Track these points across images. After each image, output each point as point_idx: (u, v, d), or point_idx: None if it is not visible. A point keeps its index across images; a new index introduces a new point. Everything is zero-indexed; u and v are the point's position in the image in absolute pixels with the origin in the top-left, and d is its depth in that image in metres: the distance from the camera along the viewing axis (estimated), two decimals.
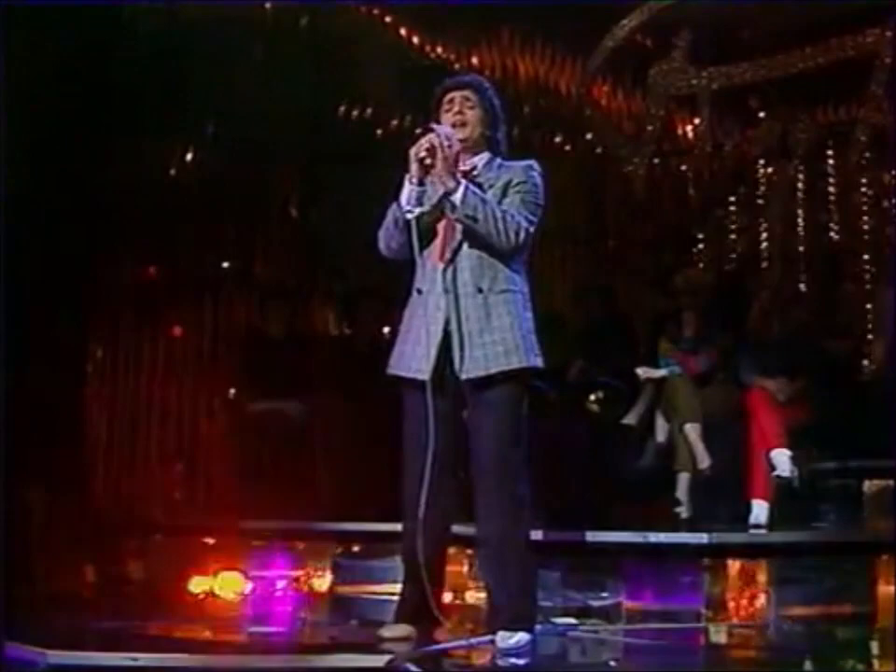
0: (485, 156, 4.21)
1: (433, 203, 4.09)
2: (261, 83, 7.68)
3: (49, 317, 6.34)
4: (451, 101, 4.20)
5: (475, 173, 4.14)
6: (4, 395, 5.09)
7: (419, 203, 4.06)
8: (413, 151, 4.03)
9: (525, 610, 4.00)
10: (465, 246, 4.06)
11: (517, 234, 4.01)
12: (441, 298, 4.03)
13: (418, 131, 4.08)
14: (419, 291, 4.11)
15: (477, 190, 4.02)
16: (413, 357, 4.05)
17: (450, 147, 4.01)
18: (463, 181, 4.00)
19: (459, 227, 4.06)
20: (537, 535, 4.44)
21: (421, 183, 4.06)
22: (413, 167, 4.04)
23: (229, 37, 7.62)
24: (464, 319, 4.00)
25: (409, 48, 8.79)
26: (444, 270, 4.05)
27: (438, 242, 4.10)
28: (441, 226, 4.10)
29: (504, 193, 4.10)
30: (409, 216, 4.04)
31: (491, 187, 4.11)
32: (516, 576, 3.99)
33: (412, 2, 8.39)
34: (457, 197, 3.96)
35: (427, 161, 4.02)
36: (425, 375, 3.99)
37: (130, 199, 7.41)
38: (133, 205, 7.45)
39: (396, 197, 4.11)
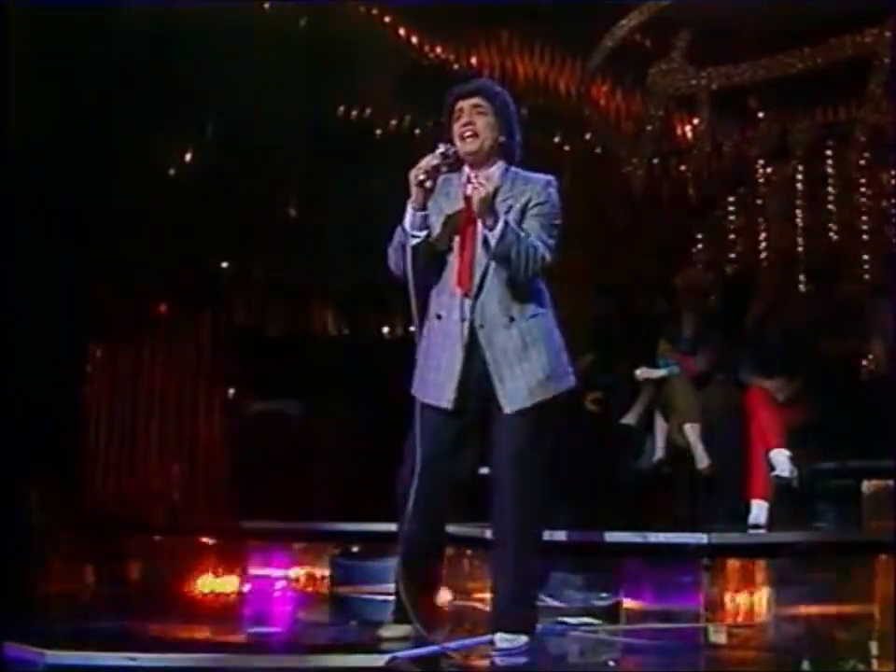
0: (501, 165, 4.09)
1: (437, 227, 4.01)
2: (261, 83, 7.68)
3: (48, 317, 6.33)
4: (460, 110, 4.08)
5: (495, 187, 4.00)
6: (4, 395, 5.10)
7: (423, 227, 3.98)
8: (412, 174, 3.93)
9: (529, 616, 4.00)
10: (490, 275, 3.97)
11: (537, 265, 3.96)
12: (458, 325, 3.96)
13: (439, 149, 3.96)
14: (438, 317, 4.03)
15: (514, 226, 3.92)
16: (435, 383, 3.99)
17: (487, 180, 3.91)
18: (502, 218, 3.89)
19: (481, 254, 3.97)
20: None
21: (423, 207, 3.97)
22: (414, 191, 3.95)
23: (228, 37, 7.61)
24: (500, 352, 3.95)
25: (409, 48, 8.80)
26: (465, 297, 3.97)
27: (456, 267, 4.01)
28: (456, 251, 4.01)
29: (523, 213, 4.01)
30: (413, 240, 3.95)
31: (511, 207, 4.00)
32: (520, 580, 3.98)
33: (412, 2, 8.39)
34: (496, 233, 3.88)
35: (428, 185, 3.94)
36: (449, 404, 3.96)
37: (128, 199, 7.41)
38: (132, 205, 7.45)
39: (403, 208, 4.00)
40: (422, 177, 3.92)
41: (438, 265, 4.05)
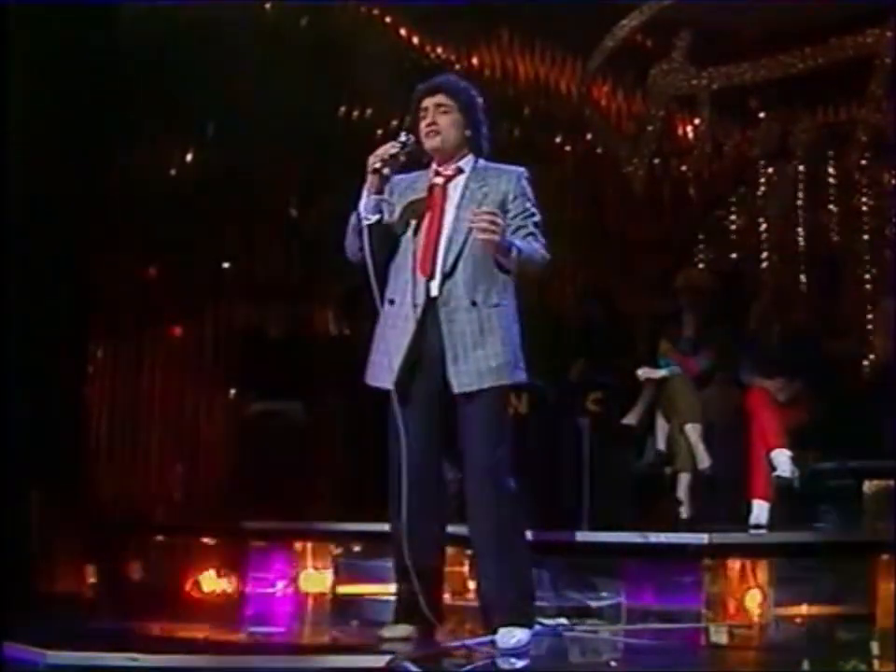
0: (469, 159, 4.16)
1: (393, 211, 4.08)
2: (261, 83, 7.68)
3: (49, 317, 6.33)
4: (425, 109, 4.14)
5: (461, 180, 4.11)
6: (4, 395, 5.10)
7: (377, 210, 4.05)
8: (370, 161, 4.02)
9: (524, 607, 4.01)
10: (463, 258, 4.02)
11: (545, 264, 4.09)
12: (411, 309, 4.01)
13: (400, 138, 4.04)
14: (391, 301, 4.08)
15: (523, 246, 3.98)
16: (388, 368, 4.01)
17: (498, 217, 3.93)
18: (515, 247, 3.95)
19: (447, 241, 4.04)
20: (537, 536, 4.45)
21: (379, 192, 4.04)
22: (370, 177, 4.03)
23: (228, 37, 7.62)
24: (458, 333, 4.00)
25: (409, 48, 8.80)
26: (428, 280, 4.02)
27: (420, 252, 4.06)
28: (422, 238, 4.07)
29: (503, 206, 4.05)
30: (365, 222, 4.02)
31: (486, 196, 4.06)
32: (513, 573, 4.00)
33: (412, 2, 8.39)
34: (511, 261, 3.96)
35: (386, 172, 4.01)
36: (391, 385, 3.99)
37: (129, 199, 7.42)
38: (132, 205, 7.45)
39: (355, 205, 4.08)
40: (378, 165, 4.01)
41: (390, 250, 4.10)
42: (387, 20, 8.74)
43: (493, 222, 3.89)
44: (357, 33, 8.44)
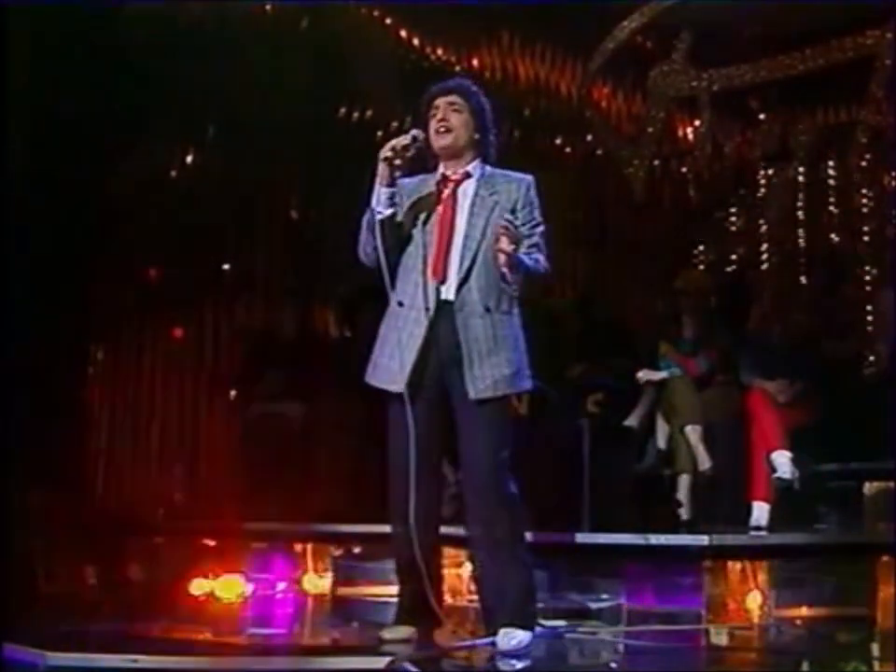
0: (477, 165, 4.16)
1: (408, 204, 4.08)
2: (262, 84, 7.69)
3: (51, 318, 6.33)
4: (436, 107, 4.15)
5: (471, 186, 4.11)
6: (4, 395, 5.10)
7: (390, 204, 4.04)
8: (381, 151, 4.01)
9: (525, 607, 4.01)
10: (478, 264, 4.02)
11: (544, 276, 4.12)
12: (422, 312, 4.01)
13: (412, 132, 4.05)
14: (400, 304, 4.07)
15: (529, 263, 4.00)
16: (395, 370, 4.01)
17: (511, 238, 3.93)
18: (523, 264, 3.97)
19: (461, 246, 4.03)
20: (538, 537, 4.45)
21: (391, 184, 4.03)
22: (381, 167, 4.02)
23: (228, 38, 7.62)
24: (473, 339, 3.99)
25: (409, 49, 8.80)
26: (439, 284, 4.02)
27: (433, 255, 4.05)
28: (433, 241, 4.06)
29: (512, 214, 4.05)
30: (379, 216, 4.02)
31: (496, 204, 4.07)
32: (514, 574, 3.99)
33: (412, 2, 8.39)
34: (517, 277, 3.98)
35: (397, 163, 4.00)
36: (399, 388, 3.99)
37: (129, 200, 7.42)
38: (133, 206, 7.46)
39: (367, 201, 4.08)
40: (389, 154, 4.00)
41: (402, 250, 4.09)
42: (388, 21, 8.74)
43: (516, 240, 3.91)
44: (358, 34, 8.44)
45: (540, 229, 4.15)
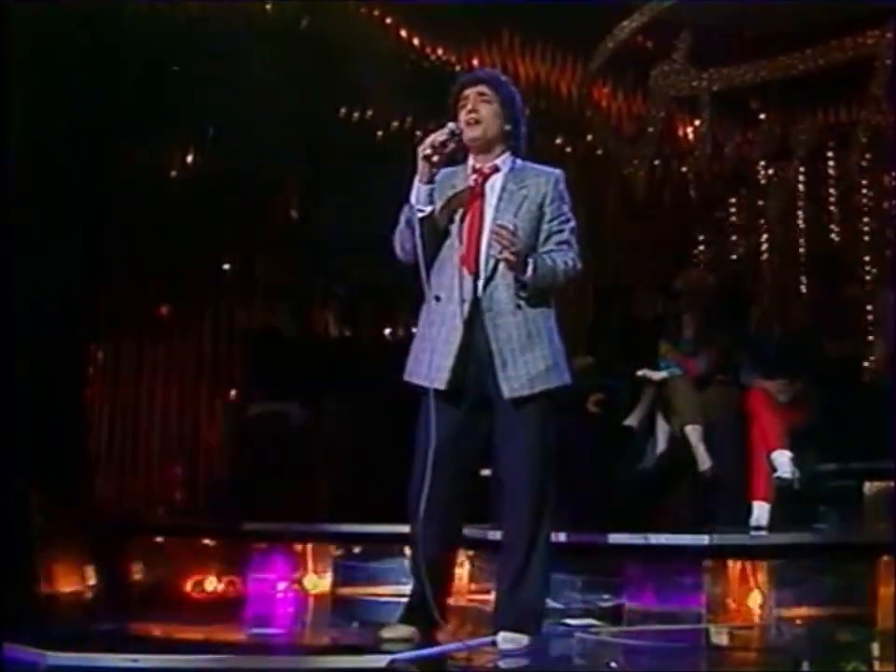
0: (507, 157, 4.11)
1: (443, 201, 4.02)
2: (262, 83, 7.68)
3: (50, 317, 6.32)
4: (465, 97, 4.10)
5: (499, 179, 4.06)
6: (5, 395, 5.09)
7: (429, 201, 3.99)
8: (420, 148, 3.95)
9: (536, 616, 4.01)
10: (500, 263, 3.97)
11: (571, 278, 4.06)
12: (459, 306, 3.96)
13: (449, 127, 3.99)
14: (437, 298, 4.01)
15: (540, 261, 3.95)
16: (431, 365, 3.95)
17: (514, 234, 3.91)
18: (531, 261, 3.92)
19: (487, 243, 3.97)
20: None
21: (430, 181, 3.98)
22: (420, 164, 3.96)
23: (228, 38, 7.62)
24: (504, 339, 3.95)
25: (409, 49, 8.80)
26: (475, 278, 3.98)
27: (464, 249, 4.00)
28: (465, 235, 4.02)
29: (540, 209, 4.03)
30: (419, 214, 3.96)
31: (525, 198, 4.04)
32: (530, 582, 3.98)
33: (412, 2, 8.39)
34: (528, 277, 3.93)
35: (435, 159, 3.96)
36: (442, 385, 3.94)
37: (130, 200, 7.41)
38: (133, 206, 7.45)
39: (406, 198, 4.03)
40: (428, 151, 3.94)
41: (439, 246, 4.04)
42: (388, 20, 8.74)
43: (511, 242, 3.87)
44: (358, 33, 8.44)
45: (571, 224, 4.09)
